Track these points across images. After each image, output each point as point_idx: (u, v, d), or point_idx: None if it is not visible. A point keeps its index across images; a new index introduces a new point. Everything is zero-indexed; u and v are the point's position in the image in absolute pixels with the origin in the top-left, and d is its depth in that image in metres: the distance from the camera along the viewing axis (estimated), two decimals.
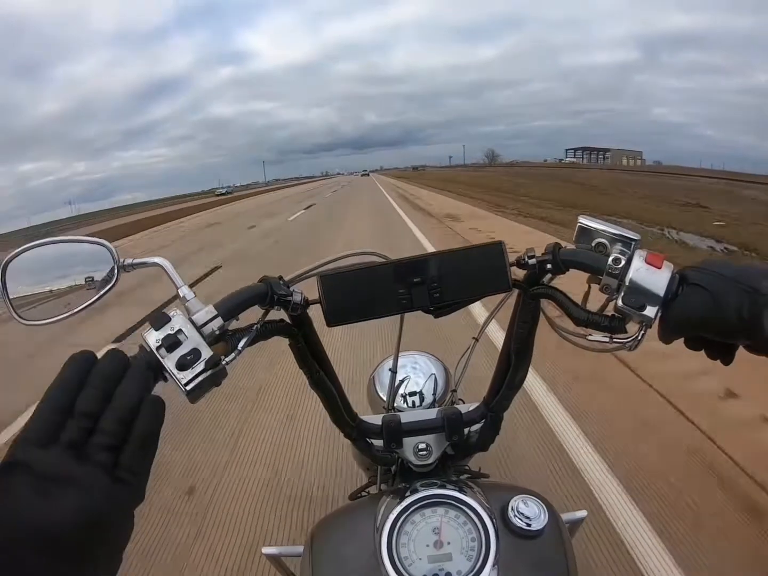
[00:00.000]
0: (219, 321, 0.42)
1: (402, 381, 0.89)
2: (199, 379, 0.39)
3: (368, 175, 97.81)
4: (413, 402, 0.88)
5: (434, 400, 0.88)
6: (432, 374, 0.92)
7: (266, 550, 0.75)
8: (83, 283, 0.48)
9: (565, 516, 0.66)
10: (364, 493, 0.86)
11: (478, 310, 2.71)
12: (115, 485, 0.28)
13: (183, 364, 0.39)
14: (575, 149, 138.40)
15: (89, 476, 0.28)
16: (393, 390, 0.83)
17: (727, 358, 0.43)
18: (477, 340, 0.73)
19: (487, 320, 0.66)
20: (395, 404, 0.86)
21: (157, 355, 0.39)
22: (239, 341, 0.43)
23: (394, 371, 0.81)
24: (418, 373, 0.92)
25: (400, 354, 0.80)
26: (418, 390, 0.89)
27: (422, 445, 0.62)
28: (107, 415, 0.30)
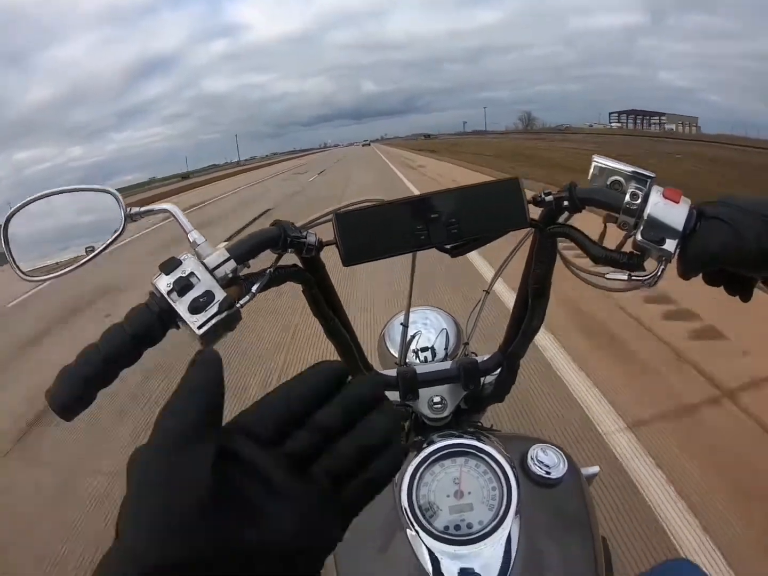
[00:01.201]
0: (232, 263, 0.47)
1: (413, 336, 0.97)
2: (213, 321, 0.43)
3: (369, 145, 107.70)
4: (425, 357, 0.96)
5: (446, 354, 0.97)
6: (443, 329, 1.00)
7: None
8: (89, 232, 0.53)
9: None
10: None
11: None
12: (325, 516, 0.27)
13: (196, 308, 0.43)
14: (619, 113, 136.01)
15: (308, 498, 0.26)
16: (405, 345, 0.90)
17: (746, 293, 0.50)
18: (488, 292, 0.80)
19: (500, 269, 0.73)
20: (407, 360, 0.93)
21: (168, 300, 0.43)
22: (253, 285, 0.49)
23: (405, 325, 0.88)
24: (429, 328, 1.00)
25: (410, 310, 0.87)
26: (429, 345, 0.98)
27: (437, 398, 0.70)
28: (349, 440, 0.28)
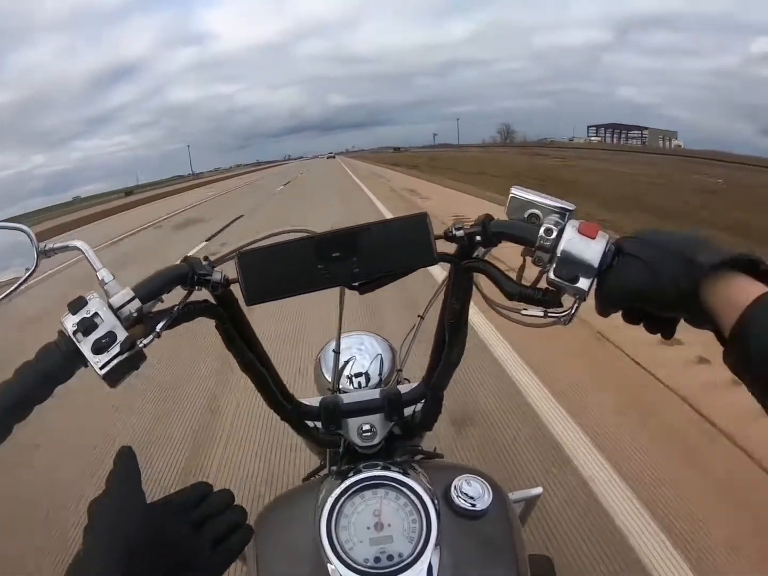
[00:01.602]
0: (137, 303, 0.49)
1: (347, 362, 1.02)
2: (115, 362, 0.46)
3: (334, 157, 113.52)
4: (359, 383, 1.01)
5: (380, 380, 1.01)
6: (378, 354, 1.05)
7: None
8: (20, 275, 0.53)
9: (517, 494, 0.78)
10: (316, 477, 0.97)
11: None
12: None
13: (99, 348, 0.46)
14: (598, 126, 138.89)
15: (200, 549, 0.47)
16: (337, 371, 0.95)
17: (667, 332, 0.51)
18: (422, 317, 0.84)
19: (433, 296, 0.76)
20: (341, 386, 0.98)
21: (74, 339, 0.46)
22: (157, 323, 0.51)
23: (337, 352, 0.93)
24: (363, 354, 1.05)
25: (346, 335, 0.93)
26: (363, 371, 1.02)
27: (366, 426, 0.72)
28: (213, 525, 0.49)
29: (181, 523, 0.47)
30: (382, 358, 1.06)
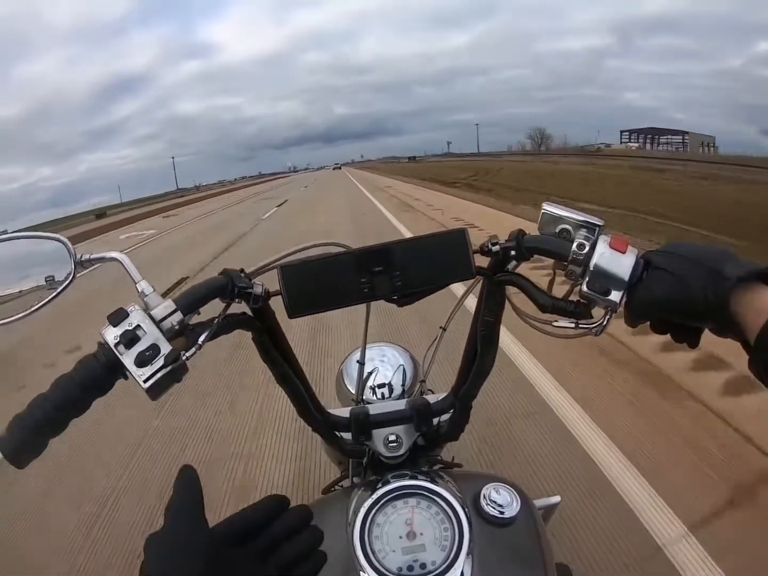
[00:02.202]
0: (178, 315, 0.52)
1: (370, 373, 1.09)
2: (159, 375, 0.49)
3: (340, 168, 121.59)
4: (382, 394, 1.08)
5: (403, 391, 1.09)
6: (400, 365, 1.13)
7: None
8: (44, 283, 0.59)
9: (538, 502, 0.83)
10: (336, 487, 1.03)
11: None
12: None
13: (142, 361, 0.49)
14: (631, 131, 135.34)
15: None
16: (361, 382, 1.03)
17: (693, 341, 0.56)
18: (444, 329, 0.91)
19: (454, 309, 0.83)
20: (364, 396, 1.06)
21: (116, 352, 0.49)
22: (199, 336, 0.54)
23: (362, 363, 1.01)
24: (386, 365, 1.13)
25: (368, 346, 0.99)
26: (386, 382, 1.10)
27: (392, 437, 0.78)
28: (291, 547, 0.48)
29: (246, 553, 0.46)
30: (404, 369, 1.14)
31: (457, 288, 0.70)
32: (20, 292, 0.60)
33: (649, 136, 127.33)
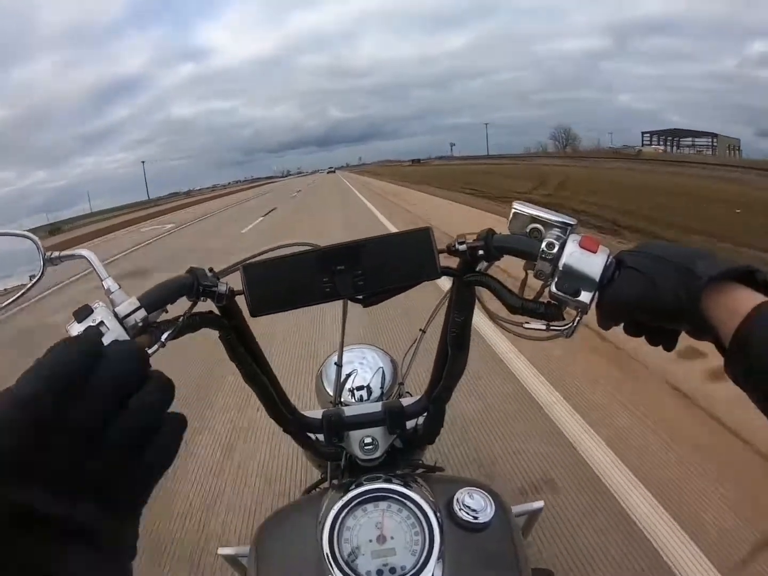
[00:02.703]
0: (142, 312, 0.54)
1: (349, 375, 1.14)
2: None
3: (334, 172, 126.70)
4: (360, 396, 1.13)
5: (382, 393, 1.13)
6: (380, 368, 1.18)
7: (222, 551, 0.97)
8: (25, 282, 0.62)
9: (519, 507, 0.87)
10: (316, 490, 1.08)
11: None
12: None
13: None
14: (653, 133, 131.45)
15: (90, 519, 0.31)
16: (339, 384, 1.07)
17: (668, 344, 0.57)
18: (424, 331, 0.95)
19: (434, 311, 0.86)
20: (342, 399, 1.10)
21: None
22: (163, 333, 0.56)
23: (339, 365, 1.05)
24: (365, 367, 1.18)
25: (348, 348, 1.04)
26: (365, 384, 1.15)
27: (368, 439, 0.82)
28: (114, 432, 0.33)
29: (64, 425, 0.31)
30: (383, 372, 1.18)
31: (445, 286, 0.72)
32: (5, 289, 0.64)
33: (672, 138, 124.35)
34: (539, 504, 0.96)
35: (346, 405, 1.10)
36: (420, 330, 0.95)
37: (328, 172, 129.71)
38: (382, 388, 1.16)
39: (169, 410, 0.37)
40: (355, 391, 1.15)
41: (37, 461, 0.30)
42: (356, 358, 1.21)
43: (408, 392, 1.04)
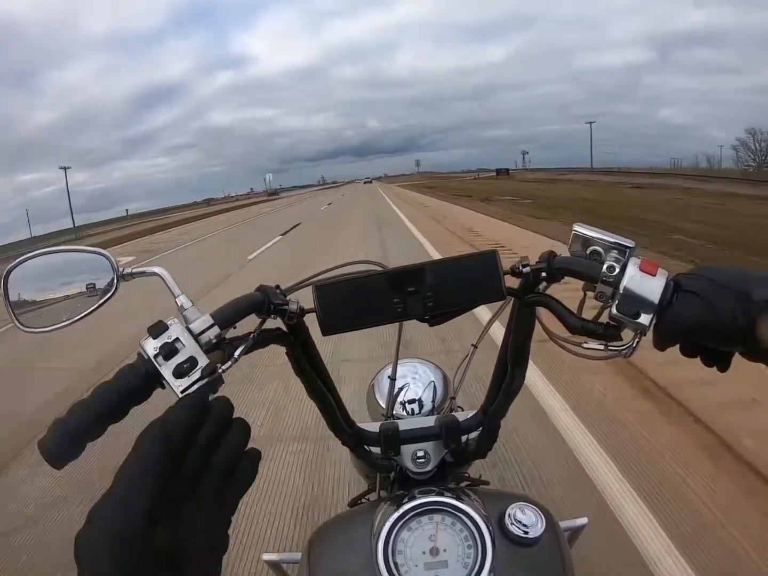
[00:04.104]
0: (216, 330, 0.57)
1: (401, 389, 1.16)
2: (195, 387, 0.53)
3: (371, 182, 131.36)
4: (412, 409, 1.15)
5: (433, 407, 1.15)
6: (431, 382, 1.20)
7: (266, 556, 1.01)
8: (84, 290, 0.65)
9: (565, 523, 0.88)
10: (363, 501, 1.11)
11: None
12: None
13: (180, 373, 0.53)
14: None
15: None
16: (392, 398, 1.10)
17: (723, 365, 0.59)
18: (476, 347, 0.97)
19: (486, 327, 0.88)
20: (394, 412, 1.12)
21: (155, 363, 0.53)
22: (236, 349, 0.59)
23: (393, 378, 1.08)
24: (417, 381, 1.20)
25: (399, 362, 1.06)
26: (417, 397, 1.17)
27: (420, 453, 0.84)
28: (221, 458, 0.48)
29: (178, 480, 0.45)
30: (435, 386, 1.20)
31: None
32: (67, 296, 0.66)
33: None
34: (583, 521, 0.97)
35: (398, 418, 1.12)
36: (472, 345, 0.97)
37: (364, 183, 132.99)
38: (433, 402, 1.18)
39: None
40: (407, 404, 1.17)
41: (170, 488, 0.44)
42: (409, 372, 1.23)
43: (459, 407, 1.06)
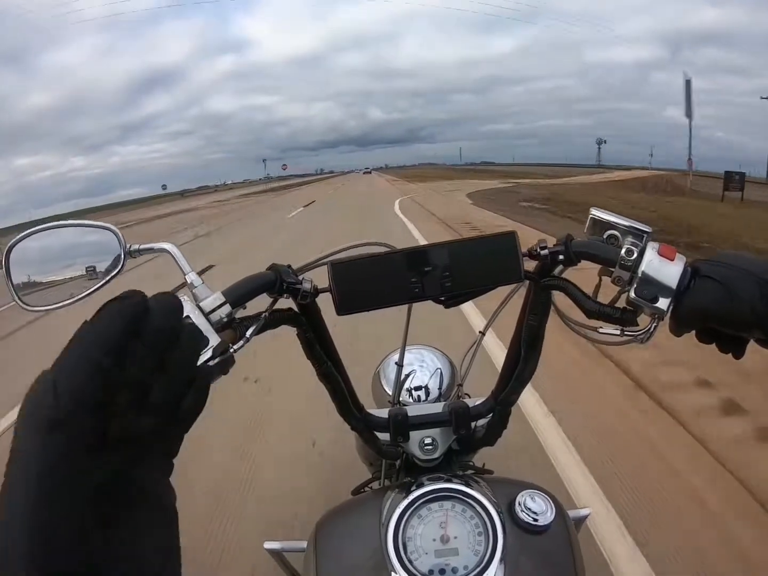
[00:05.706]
0: (227, 308, 0.54)
1: (407, 375, 1.15)
2: (206, 366, 0.49)
3: (370, 172, 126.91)
4: (418, 396, 1.14)
5: (440, 394, 1.14)
6: (438, 369, 1.19)
7: (268, 544, 0.98)
8: (91, 267, 0.61)
9: (570, 513, 0.86)
10: (367, 489, 1.10)
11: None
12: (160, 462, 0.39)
13: None
14: None
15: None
16: (399, 384, 1.08)
17: (738, 351, 0.59)
18: (483, 334, 0.95)
19: (494, 314, 0.86)
20: (401, 398, 1.11)
21: None
22: (247, 329, 0.57)
23: (400, 365, 1.06)
24: (423, 368, 1.19)
25: (406, 348, 1.04)
26: (423, 384, 1.16)
27: (428, 440, 0.83)
28: (161, 389, 0.38)
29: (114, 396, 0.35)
30: (441, 373, 1.20)
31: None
32: (71, 278, 0.63)
33: None
34: (586, 511, 0.97)
35: (405, 405, 1.11)
36: (479, 332, 0.95)
37: (363, 173, 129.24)
38: (440, 389, 1.17)
39: None
40: (413, 390, 1.16)
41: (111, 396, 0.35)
42: (415, 359, 1.22)
43: (467, 394, 1.05)
